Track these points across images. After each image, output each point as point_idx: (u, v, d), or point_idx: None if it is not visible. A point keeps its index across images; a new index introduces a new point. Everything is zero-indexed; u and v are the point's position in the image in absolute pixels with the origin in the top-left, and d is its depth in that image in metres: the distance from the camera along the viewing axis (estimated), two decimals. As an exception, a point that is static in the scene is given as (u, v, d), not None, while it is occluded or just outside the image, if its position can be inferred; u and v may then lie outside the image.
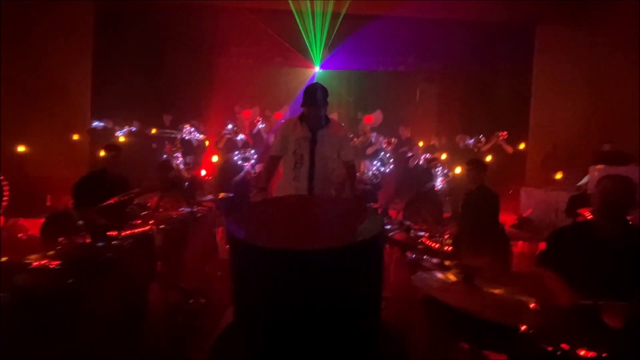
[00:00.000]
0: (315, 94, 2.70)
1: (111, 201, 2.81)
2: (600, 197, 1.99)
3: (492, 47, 7.59)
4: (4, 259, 1.84)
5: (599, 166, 5.39)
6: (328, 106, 2.78)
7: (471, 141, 6.71)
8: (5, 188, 4.95)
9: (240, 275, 0.95)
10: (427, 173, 5.93)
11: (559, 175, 6.44)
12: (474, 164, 3.47)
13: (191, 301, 3.25)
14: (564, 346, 1.55)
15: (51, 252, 2.01)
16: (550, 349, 1.54)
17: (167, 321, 2.98)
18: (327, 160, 2.67)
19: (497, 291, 1.62)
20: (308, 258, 0.85)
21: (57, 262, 1.93)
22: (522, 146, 7.47)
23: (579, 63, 7.09)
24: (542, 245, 5.69)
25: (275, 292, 0.88)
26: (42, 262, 1.95)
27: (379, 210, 4.69)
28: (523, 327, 1.53)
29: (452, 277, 1.55)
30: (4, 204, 4.96)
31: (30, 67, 6.67)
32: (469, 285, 1.50)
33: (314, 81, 8.19)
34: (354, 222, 1.01)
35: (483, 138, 6.77)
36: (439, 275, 1.59)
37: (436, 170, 5.94)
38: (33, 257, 2.12)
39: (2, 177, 5.03)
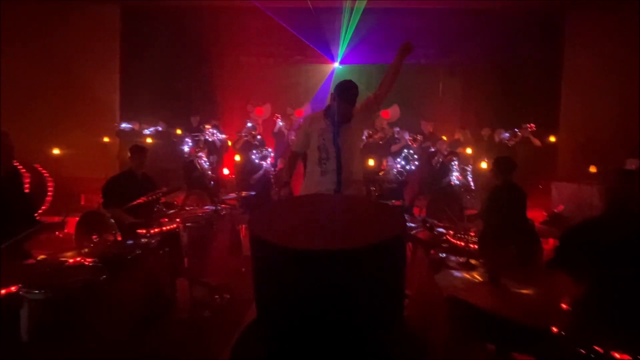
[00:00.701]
0: (351, 91, 2.67)
1: (140, 201, 2.91)
2: (608, 194, 1.90)
3: (518, 36, 7.26)
4: (42, 256, 1.96)
5: (635, 159, 5.08)
6: (355, 104, 2.73)
7: (506, 135, 6.48)
8: (50, 184, 5.24)
9: (262, 274, 0.96)
10: (443, 168, 5.78)
11: (593, 169, 6.12)
12: (500, 162, 3.32)
13: (216, 297, 3.34)
14: (598, 349, 1.48)
15: (85, 250, 2.12)
16: (583, 352, 1.47)
17: (193, 315, 3.08)
18: (354, 149, 2.66)
19: (525, 291, 1.56)
20: (330, 258, 0.85)
21: (91, 260, 2.03)
22: (552, 139, 7.13)
23: (611, 50, 6.66)
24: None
25: (296, 290, 0.89)
26: (77, 259, 2.05)
27: (402, 208, 4.62)
28: (554, 329, 1.47)
29: (478, 276, 1.51)
30: (48, 198, 5.26)
31: (60, 73, 7.00)
32: (496, 285, 1.46)
33: (332, 77, 8.20)
34: (376, 221, 1.00)
35: (518, 132, 6.52)
36: (464, 274, 1.55)
37: (452, 164, 5.79)
38: (69, 254, 2.24)
39: (47, 175, 5.34)
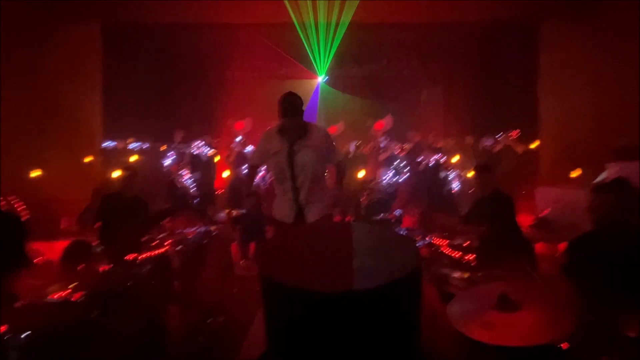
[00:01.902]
0: (290, 103, 2.63)
1: (130, 229, 2.81)
2: (593, 214, 1.95)
3: (496, 46, 7.52)
4: (22, 302, 1.82)
5: (616, 162, 5.27)
6: (303, 115, 2.71)
7: (489, 142, 6.63)
8: (24, 213, 5.01)
9: (273, 315, 0.92)
10: (439, 177, 5.84)
11: (575, 173, 6.31)
12: (480, 170, 3.39)
13: (209, 320, 3.23)
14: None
15: (72, 285, 2.00)
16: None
17: (187, 342, 2.97)
18: (309, 169, 2.57)
19: (531, 309, 1.56)
20: (343, 300, 0.82)
21: (79, 295, 1.92)
22: (533, 145, 7.35)
23: (585, 58, 6.96)
24: (562, 246, 5.56)
25: (309, 332, 0.85)
26: (64, 294, 1.94)
27: (396, 222, 4.62)
28: (563, 345, 1.47)
29: (486, 302, 1.50)
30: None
31: (40, 92, 6.79)
32: (505, 311, 1.46)
33: (318, 91, 8.29)
34: (389, 254, 0.97)
35: (500, 137, 6.68)
36: (472, 304, 1.53)
37: (448, 173, 5.86)
38: (55, 288, 2.11)
39: (21, 204, 5.10)
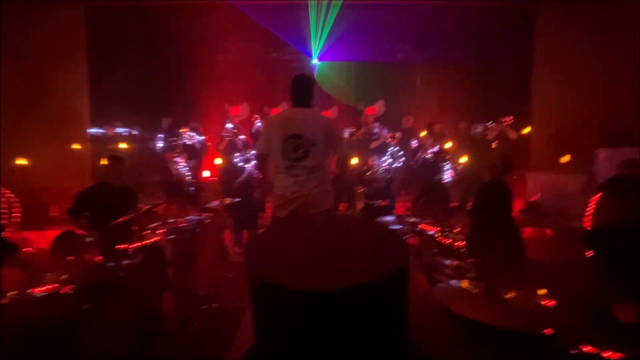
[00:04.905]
0: (298, 91, 2.61)
1: (121, 220, 2.78)
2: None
3: (491, 32, 7.44)
4: (13, 292, 1.81)
5: (606, 149, 5.32)
6: (314, 99, 2.67)
7: (479, 129, 6.61)
8: (16, 204, 4.94)
9: (261, 313, 0.93)
10: (435, 166, 5.83)
11: (565, 159, 6.37)
12: (503, 162, 3.33)
13: (204, 307, 3.26)
14: (588, 349, 1.53)
15: (63, 277, 1.99)
16: (574, 351, 1.52)
17: (183, 330, 3.00)
18: (318, 157, 2.59)
19: (517, 296, 1.59)
20: (331, 298, 0.82)
21: (69, 288, 1.91)
22: (526, 131, 7.37)
23: (579, 44, 6.93)
24: (550, 231, 5.64)
25: (296, 330, 0.86)
26: (54, 286, 1.92)
27: (390, 208, 4.63)
28: (547, 331, 1.51)
29: (472, 286, 1.53)
30: (16, 219, 4.96)
31: (25, 79, 6.58)
32: (492, 296, 1.48)
33: (313, 73, 8.15)
34: (377, 250, 0.97)
35: (492, 125, 6.66)
36: (460, 284, 1.56)
37: (444, 163, 5.84)
38: (47, 278, 2.09)
39: (11, 195, 5.02)
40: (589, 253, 2.23)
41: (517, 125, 7.15)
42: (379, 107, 7.31)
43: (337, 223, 1.13)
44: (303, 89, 2.62)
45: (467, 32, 7.43)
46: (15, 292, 1.81)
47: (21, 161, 6.29)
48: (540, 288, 1.89)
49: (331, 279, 0.87)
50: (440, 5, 7.26)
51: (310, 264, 0.94)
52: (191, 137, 6.50)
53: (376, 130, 6.72)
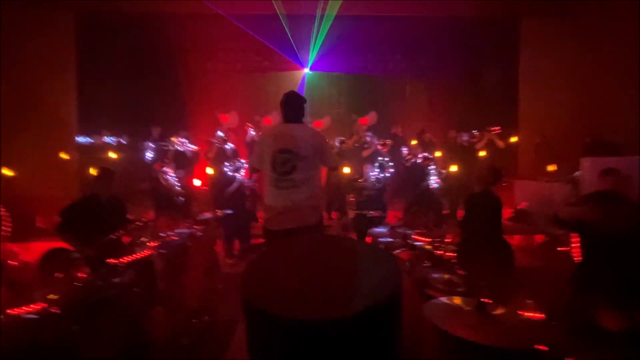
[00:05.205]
0: (289, 108, 2.68)
1: (112, 236, 2.73)
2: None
3: (478, 42, 7.62)
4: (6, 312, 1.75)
5: (590, 158, 5.45)
6: (305, 115, 2.74)
7: (465, 137, 6.73)
8: (6, 218, 4.81)
9: (256, 340, 0.93)
10: (423, 171, 5.90)
11: (551, 167, 6.51)
12: (491, 172, 3.39)
13: (195, 321, 3.22)
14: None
15: (51, 296, 1.94)
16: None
17: (173, 345, 2.95)
18: (307, 171, 2.62)
19: (506, 312, 1.62)
20: (323, 327, 0.84)
21: (58, 309, 1.87)
22: (513, 139, 7.53)
23: (564, 55, 7.14)
24: (540, 238, 5.74)
25: (289, 357, 0.87)
26: (42, 306, 1.88)
27: (381, 219, 4.65)
28: (538, 347, 1.54)
29: (464, 304, 1.55)
30: (4, 233, 4.82)
31: (12, 86, 6.46)
32: (482, 313, 1.51)
33: (304, 84, 8.21)
34: (369, 276, 0.99)
35: (477, 133, 6.79)
36: (451, 302, 1.58)
37: (429, 168, 5.92)
38: (35, 297, 2.04)
39: (2, 209, 4.89)
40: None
41: (505, 134, 7.31)
42: (371, 118, 7.40)
43: (329, 245, 1.14)
44: (294, 106, 2.69)
45: (455, 44, 7.60)
46: (2, 316, 1.76)
47: (7, 172, 6.15)
48: (528, 299, 1.92)
49: (324, 308, 0.88)
50: (429, 18, 7.42)
51: (303, 292, 0.95)
52: (183, 143, 6.44)
53: (368, 139, 6.79)
